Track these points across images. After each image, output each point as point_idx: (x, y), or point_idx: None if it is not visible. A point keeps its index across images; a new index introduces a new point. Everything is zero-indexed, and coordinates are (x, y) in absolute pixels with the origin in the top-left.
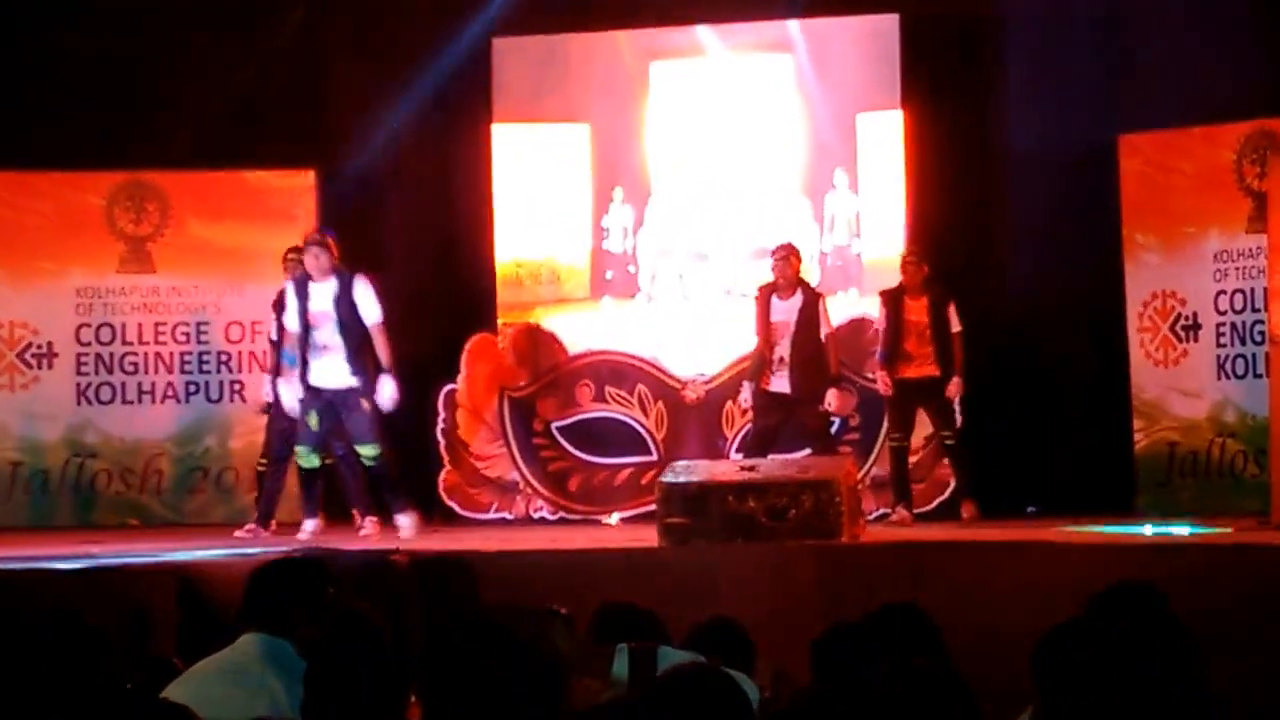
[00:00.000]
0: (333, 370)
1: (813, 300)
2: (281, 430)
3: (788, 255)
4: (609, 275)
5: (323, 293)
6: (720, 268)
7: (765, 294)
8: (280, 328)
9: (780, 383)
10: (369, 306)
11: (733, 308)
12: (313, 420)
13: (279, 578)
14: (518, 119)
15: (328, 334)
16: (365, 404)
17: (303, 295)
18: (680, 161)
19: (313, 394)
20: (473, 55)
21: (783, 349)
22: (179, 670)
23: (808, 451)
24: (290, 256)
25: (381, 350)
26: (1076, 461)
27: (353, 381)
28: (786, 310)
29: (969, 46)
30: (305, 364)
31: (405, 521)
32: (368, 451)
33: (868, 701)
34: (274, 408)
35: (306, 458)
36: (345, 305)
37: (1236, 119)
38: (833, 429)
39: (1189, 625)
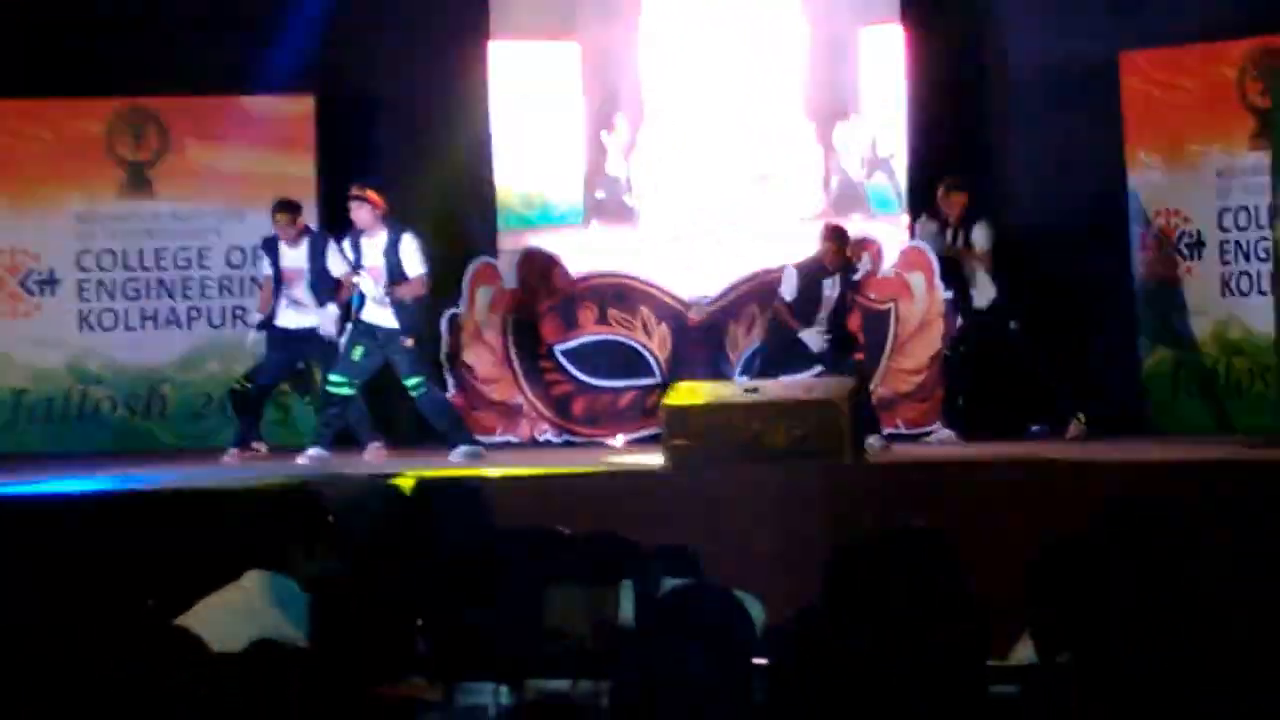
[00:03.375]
0: (381, 313)
1: (850, 272)
2: (281, 359)
3: (842, 236)
4: (603, 198)
5: (373, 246)
6: (719, 192)
7: (811, 270)
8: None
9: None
10: (414, 262)
11: (732, 232)
12: (356, 353)
13: (281, 510)
14: (513, 36)
15: (374, 288)
16: (407, 341)
17: (356, 249)
18: (677, 81)
19: (362, 330)
20: None
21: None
22: None
23: (818, 369)
24: (279, 217)
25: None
26: (1085, 380)
27: (396, 324)
28: (831, 285)
29: None
30: (356, 304)
31: (461, 450)
32: (413, 383)
33: (885, 623)
34: (276, 336)
35: (343, 387)
36: (394, 257)
37: (1238, 35)
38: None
39: (1196, 541)
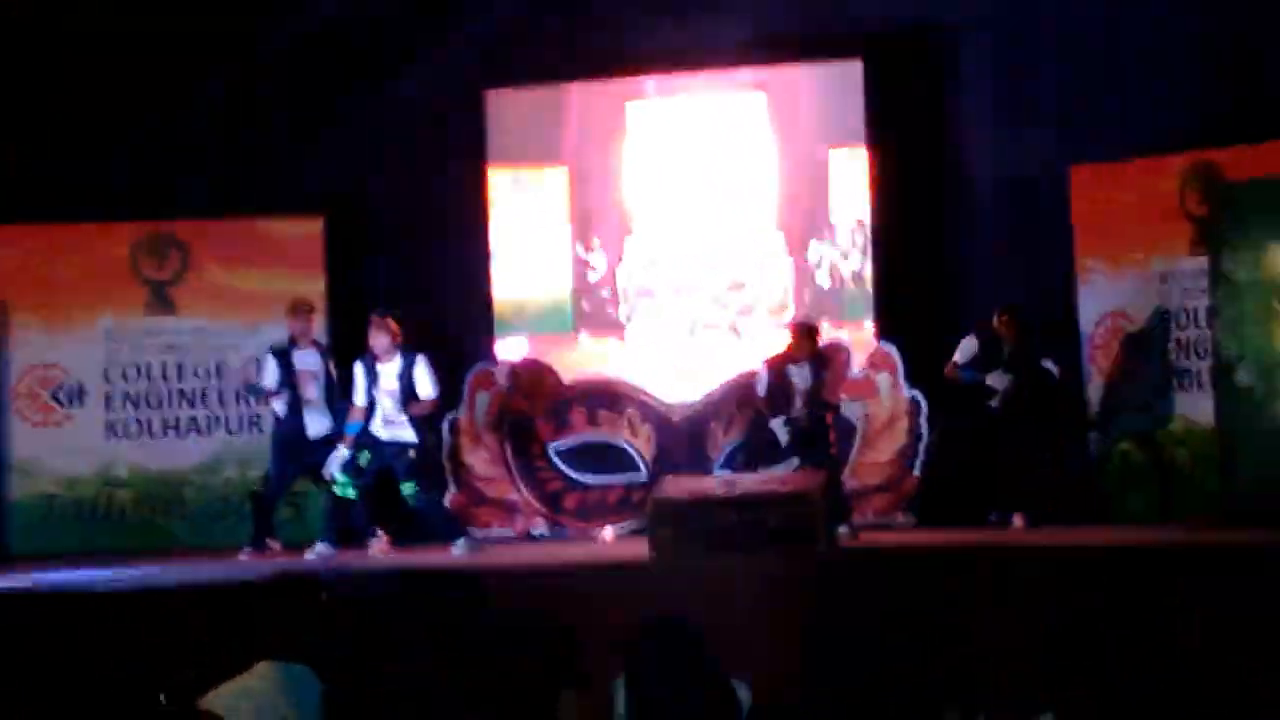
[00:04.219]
0: (395, 430)
1: (821, 366)
2: (293, 463)
3: (802, 334)
4: (588, 309)
5: (389, 370)
6: (698, 301)
7: (780, 364)
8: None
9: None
10: (426, 385)
11: (710, 338)
12: (363, 459)
13: (293, 600)
14: (508, 162)
15: (391, 408)
16: (412, 453)
17: (371, 374)
18: (657, 199)
19: (370, 440)
20: (466, 105)
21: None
22: None
23: (795, 462)
24: (297, 316)
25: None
26: (1039, 472)
27: (405, 438)
28: (802, 377)
29: (928, 86)
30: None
31: (461, 544)
32: (408, 489)
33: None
34: (283, 443)
35: (348, 488)
36: (408, 380)
37: (1178, 150)
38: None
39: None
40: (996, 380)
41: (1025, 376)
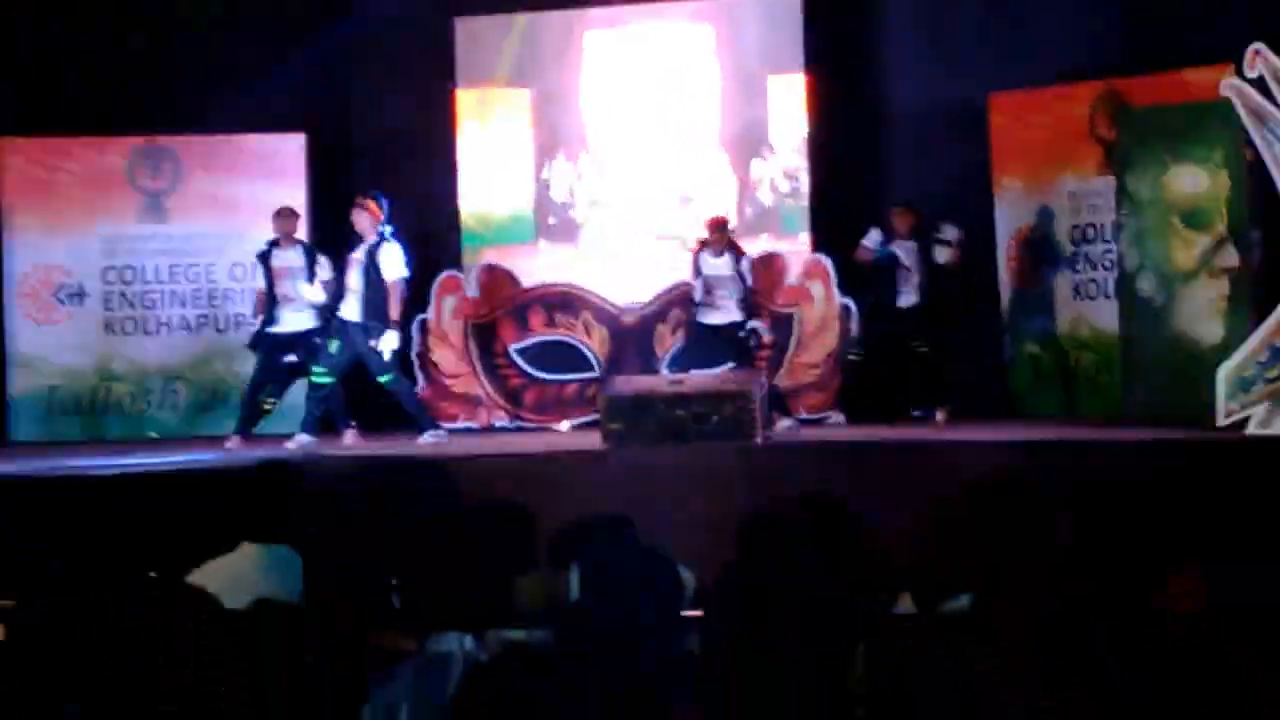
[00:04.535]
0: (352, 309)
1: (738, 257)
2: (275, 359)
3: (722, 225)
4: (551, 221)
5: (362, 250)
6: (648, 213)
7: (698, 250)
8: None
9: (714, 316)
10: (391, 267)
11: (659, 248)
12: (333, 346)
13: (271, 486)
14: (476, 84)
15: (359, 287)
16: (378, 344)
17: (350, 250)
18: (612, 119)
19: (337, 326)
20: (437, 30)
21: (719, 293)
22: None
23: (730, 366)
24: (281, 221)
25: (394, 305)
26: (959, 373)
27: (363, 319)
28: (717, 266)
29: (861, 18)
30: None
31: (429, 435)
32: (385, 379)
33: (789, 582)
34: (260, 337)
35: (324, 376)
36: (375, 261)
37: (1089, 78)
38: (762, 339)
39: (1055, 510)
40: (949, 233)
41: (924, 269)
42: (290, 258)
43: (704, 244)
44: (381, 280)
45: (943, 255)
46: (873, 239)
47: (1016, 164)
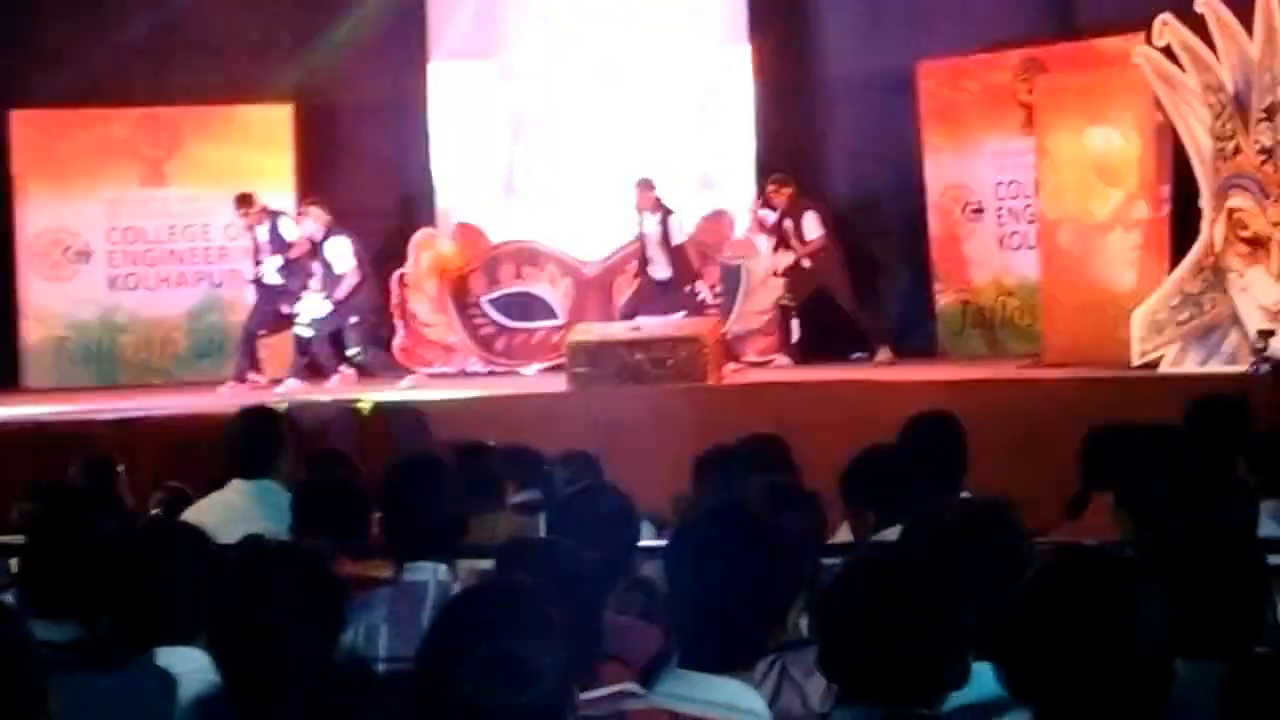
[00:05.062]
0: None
1: (665, 217)
2: (265, 308)
3: (642, 189)
4: (518, 179)
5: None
6: (605, 175)
7: (639, 208)
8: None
9: (661, 271)
10: (340, 259)
11: (615, 207)
12: (319, 308)
13: (257, 427)
14: (447, 58)
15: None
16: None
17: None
18: (571, 90)
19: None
20: (412, 6)
21: (652, 248)
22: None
23: (682, 314)
24: (239, 210)
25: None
26: (893, 319)
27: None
28: (649, 225)
29: None
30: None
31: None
32: (352, 351)
33: (740, 510)
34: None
35: (308, 329)
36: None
37: (1011, 46)
38: (699, 298)
39: (981, 444)
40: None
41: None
42: (264, 233)
43: (639, 203)
44: (335, 274)
45: (811, 230)
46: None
47: (944, 126)
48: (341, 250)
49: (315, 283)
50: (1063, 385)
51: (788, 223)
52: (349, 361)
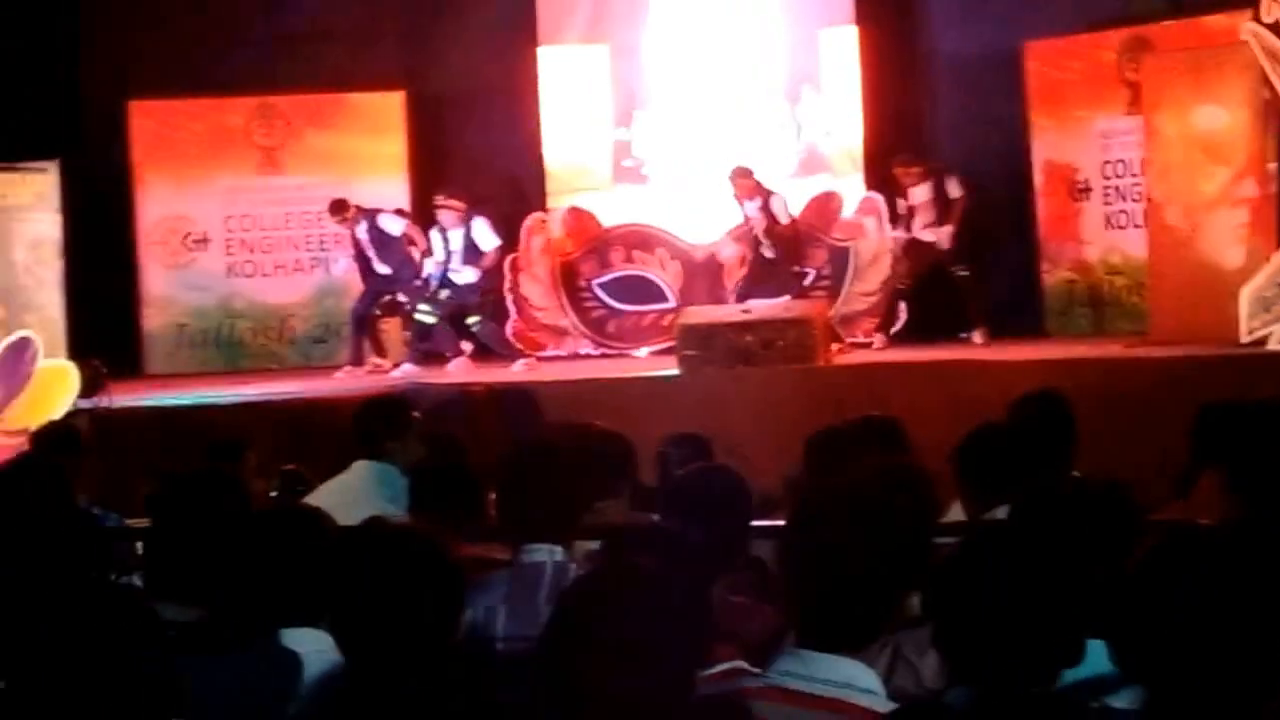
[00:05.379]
0: (460, 277)
1: (766, 200)
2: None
3: (738, 177)
4: (627, 165)
5: (456, 236)
6: (715, 159)
7: (738, 198)
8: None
9: (768, 251)
10: (486, 239)
11: (724, 190)
12: (442, 294)
13: (379, 411)
14: (556, 42)
15: (458, 263)
16: (476, 294)
17: (443, 237)
18: (681, 71)
19: (447, 282)
20: None
21: (759, 229)
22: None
23: (788, 298)
24: (333, 218)
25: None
26: (1001, 298)
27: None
28: (752, 210)
29: None
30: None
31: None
32: (471, 320)
33: (856, 490)
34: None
35: (426, 315)
36: (469, 240)
37: (1116, 25)
38: (806, 282)
39: (1090, 422)
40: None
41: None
42: (361, 232)
43: (737, 193)
44: (479, 253)
45: (955, 191)
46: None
47: (1051, 106)
48: (484, 230)
49: (457, 260)
50: (1170, 364)
51: (916, 198)
52: (467, 331)
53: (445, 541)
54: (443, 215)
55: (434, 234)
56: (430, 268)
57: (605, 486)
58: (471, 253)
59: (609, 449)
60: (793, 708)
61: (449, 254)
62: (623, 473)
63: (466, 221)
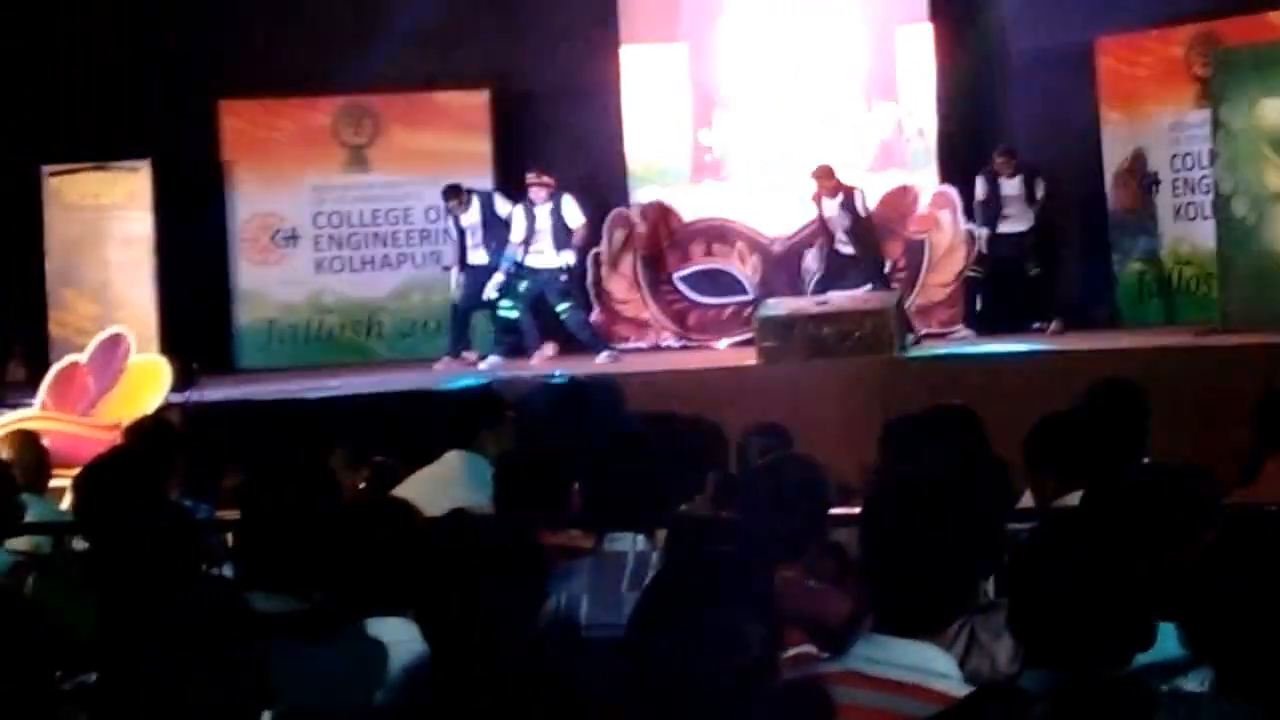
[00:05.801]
0: (548, 260)
1: (849, 195)
2: (473, 289)
3: (822, 176)
4: (707, 160)
5: (544, 212)
6: (792, 153)
7: (817, 197)
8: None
9: (847, 247)
10: (575, 216)
11: (801, 185)
12: (522, 286)
13: (469, 403)
14: (638, 41)
15: (547, 241)
16: (564, 278)
17: (529, 216)
18: (759, 67)
19: (526, 271)
20: None
21: (839, 231)
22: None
23: (869, 287)
24: (449, 202)
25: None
26: (1073, 289)
27: (560, 264)
28: (832, 209)
29: None
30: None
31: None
32: (562, 307)
33: (933, 478)
34: (466, 278)
35: (512, 310)
36: (559, 216)
37: (1186, 21)
38: (885, 272)
39: (1161, 410)
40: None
41: (1029, 203)
42: (471, 216)
43: (817, 194)
44: (568, 230)
45: (1041, 191)
46: (979, 191)
47: (1121, 100)
48: (573, 207)
49: (546, 241)
50: (1239, 352)
51: (1006, 189)
52: (556, 320)
53: (529, 531)
54: (533, 190)
55: (517, 212)
56: (511, 252)
57: (692, 478)
58: (560, 233)
59: (696, 441)
60: (871, 692)
61: (533, 232)
62: (711, 464)
63: (555, 198)
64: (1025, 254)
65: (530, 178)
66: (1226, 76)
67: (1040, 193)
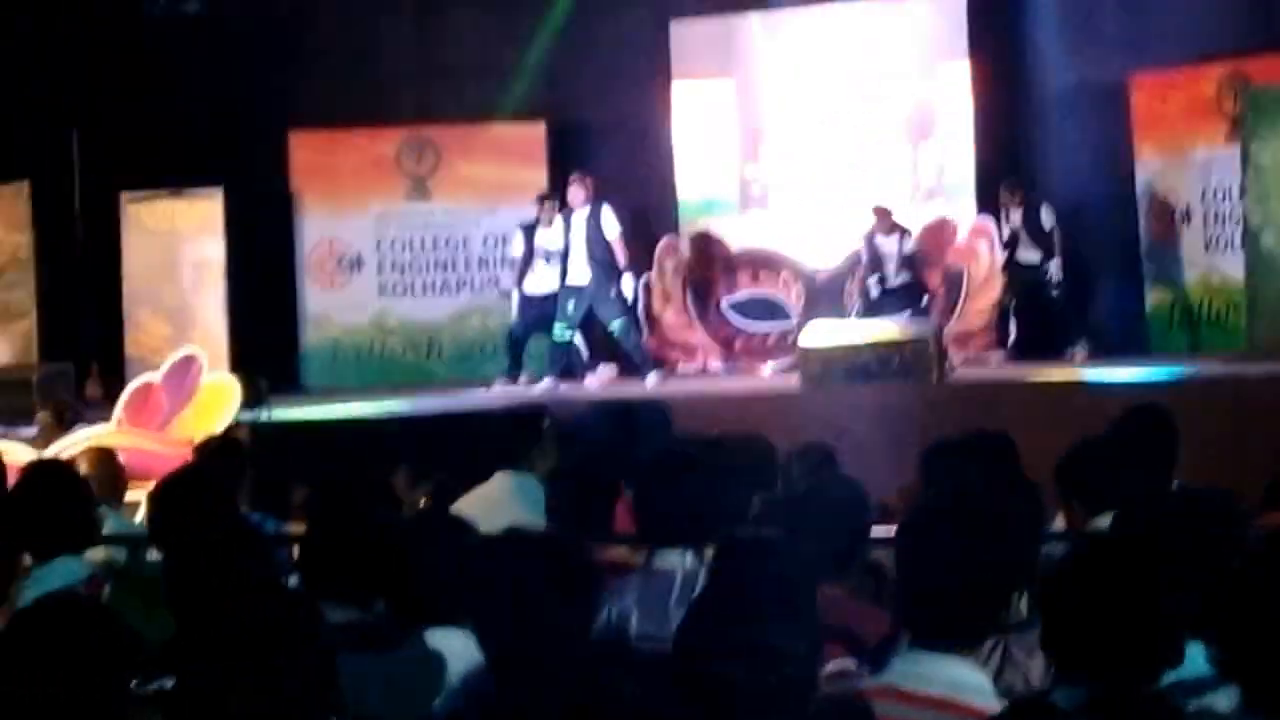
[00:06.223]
0: (581, 274)
1: (902, 236)
2: (533, 314)
3: (882, 214)
4: (755, 192)
5: (579, 218)
6: (835, 187)
7: (870, 236)
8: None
9: (895, 280)
10: (611, 226)
11: (845, 216)
12: (570, 306)
13: (519, 424)
14: (688, 76)
15: (583, 252)
16: (612, 292)
17: (567, 223)
18: (803, 103)
19: (570, 291)
20: (656, 30)
21: (891, 265)
22: None
23: (909, 315)
24: (545, 204)
25: (620, 255)
26: (1104, 317)
27: (593, 277)
28: (889, 244)
29: (1015, 7)
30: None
31: (653, 377)
32: (616, 325)
33: (969, 500)
34: (522, 300)
35: (564, 332)
36: (595, 223)
37: (1216, 60)
38: (925, 300)
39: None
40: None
41: (1034, 233)
42: (550, 235)
43: (873, 229)
44: (605, 239)
45: (1048, 222)
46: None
47: (1154, 135)
48: (611, 217)
49: (580, 255)
50: (1268, 382)
51: (1013, 221)
52: (609, 339)
53: (581, 547)
54: (572, 191)
55: (548, 231)
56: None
57: (740, 497)
58: (597, 244)
59: (745, 460)
60: (907, 707)
61: (568, 243)
62: (758, 483)
63: (594, 202)
64: (1042, 283)
65: (573, 177)
66: (1257, 115)
67: (1050, 223)
